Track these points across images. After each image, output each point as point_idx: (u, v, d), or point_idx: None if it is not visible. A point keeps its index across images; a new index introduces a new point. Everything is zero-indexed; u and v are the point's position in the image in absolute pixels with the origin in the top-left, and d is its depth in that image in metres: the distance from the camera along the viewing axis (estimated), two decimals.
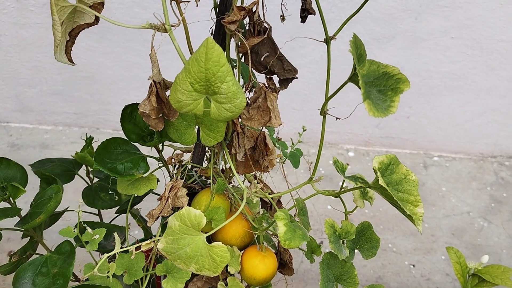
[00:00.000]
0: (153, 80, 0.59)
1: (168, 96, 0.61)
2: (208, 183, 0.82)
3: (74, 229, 0.69)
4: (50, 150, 1.91)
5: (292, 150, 1.00)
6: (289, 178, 1.79)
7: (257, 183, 0.74)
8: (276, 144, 0.98)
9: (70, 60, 0.59)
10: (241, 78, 0.72)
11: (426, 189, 1.87)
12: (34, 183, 0.95)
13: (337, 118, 0.60)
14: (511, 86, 1.86)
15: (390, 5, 1.71)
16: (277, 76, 0.65)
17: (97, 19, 0.60)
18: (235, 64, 0.71)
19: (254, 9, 0.61)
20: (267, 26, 0.62)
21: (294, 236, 0.62)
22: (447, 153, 2.02)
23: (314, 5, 0.58)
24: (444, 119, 1.96)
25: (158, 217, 0.76)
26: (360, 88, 0.50)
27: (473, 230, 1.73)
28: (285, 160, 0.95)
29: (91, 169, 0.89)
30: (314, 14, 0.58)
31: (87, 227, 0.68)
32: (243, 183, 0.91)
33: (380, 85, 0.52)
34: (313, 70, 1.82)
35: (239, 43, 0.63)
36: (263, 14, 0.62)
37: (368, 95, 0.48)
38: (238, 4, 0.61)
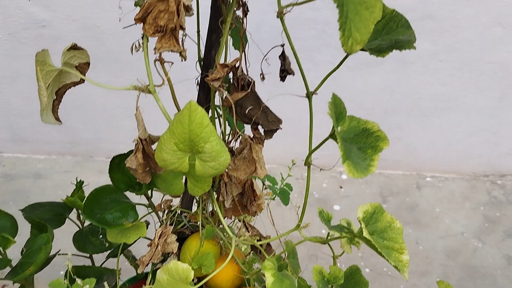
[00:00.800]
0: (139, 137, 0.60)
1: (155, 150, 0.62)
2: (198, 226, 0.82)
3: (64, 280, 0.70)
4: (43, 179, 1.91)
5: (282, 186, 1.01)
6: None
7: (246, 230, 0.75)
8: (265, 182, 0.99)
9: (57, 119, 0.60)
10: (227, 126, 0.74)
11: (420, 210, 1.87)
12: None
13: (321, 169, 0.61)
14: (501, 106, 1.88)
15: None
16: (262, 128, 0.66)
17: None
18: (221, 113, 0.72)
19: (237, 64, 0.62)
20: (250, 80, 0.63)
21: (281, 287, 0.62)
22: (439, 173, 2.03)
23: (293, 64, 0.59)
24: (436, 140, 1.97)
25: (148, 264, 0.77)
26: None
27: (467, 251, 1.73)
28: (274, 197, 0.96)
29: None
30: (294, 74, 0.60)
31: (77, 278, 0.68)
32: (233, 223, 0.92)
33: (360, 142, 0.53)
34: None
35: (223, 97, 0.64)
36: (246, 70, 0.63)
37: (347, 155, 0.49)
38: (222, 60, 0.62)
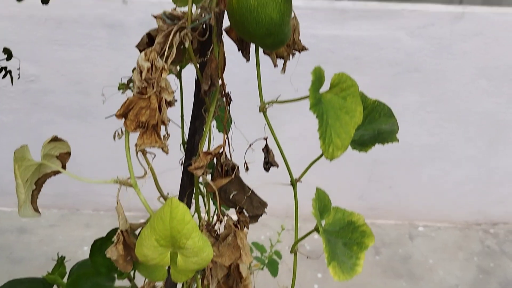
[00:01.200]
0: (120, 230, 0.59)
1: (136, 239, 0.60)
2: None
3: None
4: (28, 234, 1.87)
5: (271, 254, 0.99)
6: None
7: None
8: (253, 248, 0.96)
9: (36, 210, 0.58)
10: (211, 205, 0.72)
11: (413, 262, 1.84)
12: None
13: (307, 257, 0.59)
14: (489, 155, 1.89)
15: (364, 83, 1.75)
16: (246, 212, 0.65)
17: (64, 166, 0.60)
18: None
19: (220, 151, 0.61)
20: (234, 165, 0.62)
21: None
22: (432, 222, 2.01)
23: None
24: (427, 189, 1.97)
25: None
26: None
27: None
28: (263, 267, 0.93)
29: None
30: (278, 167, 0.59)
31: None
32: None
33: (345, 237, 0.52)
34: (292, 147, 1.83)
35: (207, 184, 0.63)
36: (230, 155, 0.62)
37: (333, 256, 0.48)
38: (206, 146, 0.61)
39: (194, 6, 0.58)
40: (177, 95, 0.67)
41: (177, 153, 0.72)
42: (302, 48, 0.55)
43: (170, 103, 0.54)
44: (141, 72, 0.51)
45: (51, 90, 1.78)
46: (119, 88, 0.70)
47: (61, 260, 0.86)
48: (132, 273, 0.76)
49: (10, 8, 1.65)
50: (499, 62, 1.73)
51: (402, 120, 1.87)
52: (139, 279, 0.80)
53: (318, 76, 0.43)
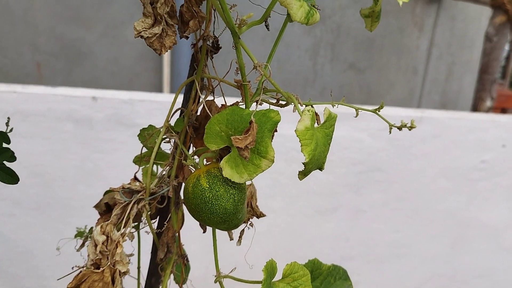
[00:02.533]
0: None
1: None
2: None
3: None
4: None
5: None
6: None
7: None
8: None
9: None
10: None
11: None
12: None
13: None
14: (454, 252, 1.92)
15: (330, 181, 1.79)
16: None
17: None
18: None
19: None
20: None
21: None
22: None
23: None
24: (393, 286, 1.95)
25: None
26: None
27: None
28: None
29: None
30: None
31: None
32: None
33: None
34: (260, 241, 1.82)
35: None
36: None
37: None
38: None
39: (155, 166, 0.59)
40: (135, 245, 0.66)
41: None
42: (260, 215, 0.55)
43: (125, 273, 0.52)
44: (95, 246, 0.50)
45: None
46: (75, 236, 0.68)
47: None
48: None
49: None
50: (458, 163, 1.80)
51: (367, 217, 1.90)
52: None
53: (270, 271, 0.43)
